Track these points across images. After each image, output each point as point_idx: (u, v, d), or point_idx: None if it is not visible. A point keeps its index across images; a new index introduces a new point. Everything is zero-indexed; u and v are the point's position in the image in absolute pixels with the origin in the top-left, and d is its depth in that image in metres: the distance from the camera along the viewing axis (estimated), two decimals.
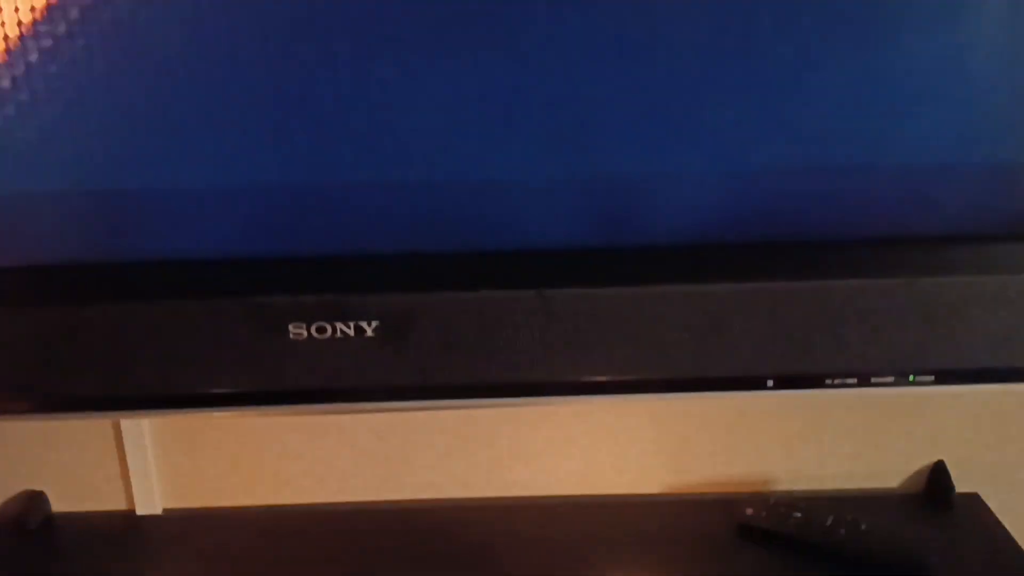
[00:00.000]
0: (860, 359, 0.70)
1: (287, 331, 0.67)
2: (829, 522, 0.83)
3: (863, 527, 0.83)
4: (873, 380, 0.71)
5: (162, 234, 0.65)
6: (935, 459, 0.92)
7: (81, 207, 0.64)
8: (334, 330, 0.67)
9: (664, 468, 0.92)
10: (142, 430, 0.87)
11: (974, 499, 0.91)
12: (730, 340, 0.68)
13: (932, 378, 0.71)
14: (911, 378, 0.71)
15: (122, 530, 0.89)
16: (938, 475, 0.91)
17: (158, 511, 0.91)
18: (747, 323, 0.67)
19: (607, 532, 0.86)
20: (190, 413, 0.71)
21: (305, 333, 0.67)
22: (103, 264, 0.65)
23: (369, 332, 0.66)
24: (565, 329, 0.67)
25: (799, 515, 0.85)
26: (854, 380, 0.71)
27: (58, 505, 0.91)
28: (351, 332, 0.66)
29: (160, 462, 0.89)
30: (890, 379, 0.71)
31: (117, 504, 0.91)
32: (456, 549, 0.84)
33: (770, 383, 0.71)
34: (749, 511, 0.86)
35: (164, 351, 0.68)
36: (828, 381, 0.71)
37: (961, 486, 0.90)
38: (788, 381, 0.71)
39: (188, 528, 0.89)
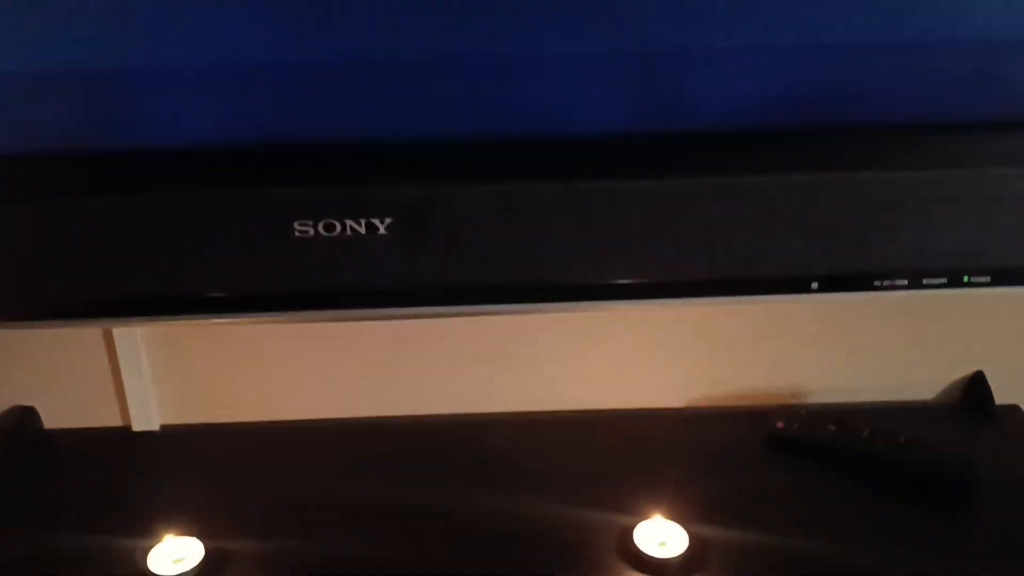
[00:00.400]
0: (912, 259, 0.65)
1: (292, 228, 0.61)
2: (866, 434, 0.79)
3: (902, 439, 0.78)
4: (925, 282, 0.66)
5: (155, 120, 0.59)
6: (973, 370, 0.88)
7: (66, 90, 0.57)
8: (344, 227, 0.61)
9: (689, 381, 0.88)
10: (136, 340, 0.82)
11: (1015, 411, 0.87)
12: (774, 238, 0.63)
13: (988, 279, 0.66)
14: (966, 279, 0.66)
15: (118, 448, 0.85)
16: (977, 386, 0.87)
17: (155, 427, 0.86)
18: (793, 219, 0.62)
19: (630, 447, 0.82)
20: (187, 321, 0.66)
21: (312, 231, 0.61)
22: (91, 155, 0.59)
23: (382, 230, 0.61)
24: (596, 226, 0.62)
25: (833, 427, 0.81)
26: (905, 282, 0.66)
27: (50, 422, 0.86)
28: (362, 230, 0.61)
29: (157, 375, 0.84)
30: (943, 280, 0.66)
31: (112, 421, 0.86)
32: (471, 466, 0.80)
33: (815, 285, 0.66)
34: (780, 424, 0.82)
35: (158, 251, 0.62)
36: (877, 283, 0.66)
37: (1001, 397, 0.86)
38: (835, 283, 0.66)
39: (187, 445, 0.85)
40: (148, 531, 0.71)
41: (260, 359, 0.84)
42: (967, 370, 0.88)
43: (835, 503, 0.75)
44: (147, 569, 0.67)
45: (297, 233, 0.61)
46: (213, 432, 0.86)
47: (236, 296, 0.65)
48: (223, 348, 0.84)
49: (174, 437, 0.86)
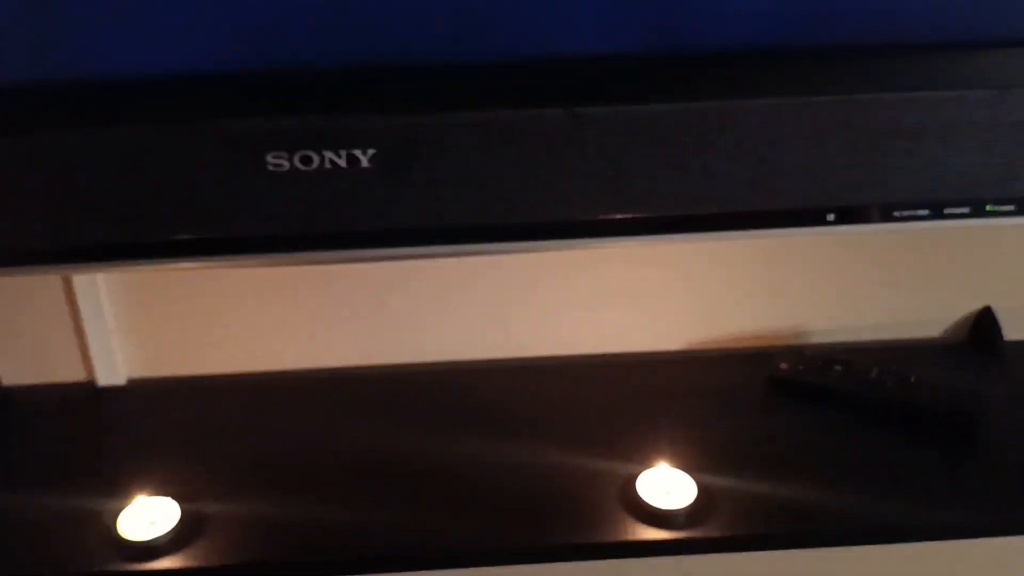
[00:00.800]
0: (932, 188, 0.61)
1: (265, 162, 0.56)
2: (874, 374, 0.76)
3: (912, 379, 0.75)
4: (947, 212, 0.63)
5: (112, 46, 0.53)
6: (981, 305, 0.84)
7: (17, 14, 0.51)
8: (322, 160, 0.56)
9: (687, 322, 0.84)
10: (99, 289, 0.76)
11: None
12: (787, 166, 0.58)
13: (1012, 207, 0.63)
14: (988, 208, 0.62)
15: (82, 404, 0.79)
16: (985, 322, 0.84)
17: (122, 382, 0.80)
18: (805, 145, 0.58)
19: (628, 393, 0.78)
20: (152, 266, 0.61)
21: (287, 164, 0.57)
22: (46, 84, 0.53)
23: (365, 162, 0.56)
24: (594, 155, 0.57)
25: (840, 368, 0.77)
26: (926, 212, 0.62)
27: (10, 378, 0.81)
28: (343, 163, 0.56)
29: (122, 326, 0.79)
30: (965, 210, 0.63)
31: (76, 376, 0.80)
32: (462, 416, 0.76)
33: (831, 217, 0.62)
34: (783, 366, 0.79)
35: (119, 190, 0.58)
36: (897, 214, 0.62)
37: (1010, 333, 0.83)
38: (851, 215, 0.62)
39: (157, 400, 0.79)
40: (118, 493, 0.66)
41: (235, 307, 0.79)
42: (974, 306, 0.85)
43: (843, 446, 0.72)
44: (118, 534, 0.62)
45: (271, 167, 0.56)
46: (185, 385, 0.81)
47: (206, 238, 0.60)
48: (194, 296, 0.78)
49: (142, 392, 0.80)
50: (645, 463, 0.68)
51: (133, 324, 0.79)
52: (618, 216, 0.60)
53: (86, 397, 0.80)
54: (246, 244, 0.60)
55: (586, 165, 0.57)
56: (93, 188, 0.56)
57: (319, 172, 0.57)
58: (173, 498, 0.65)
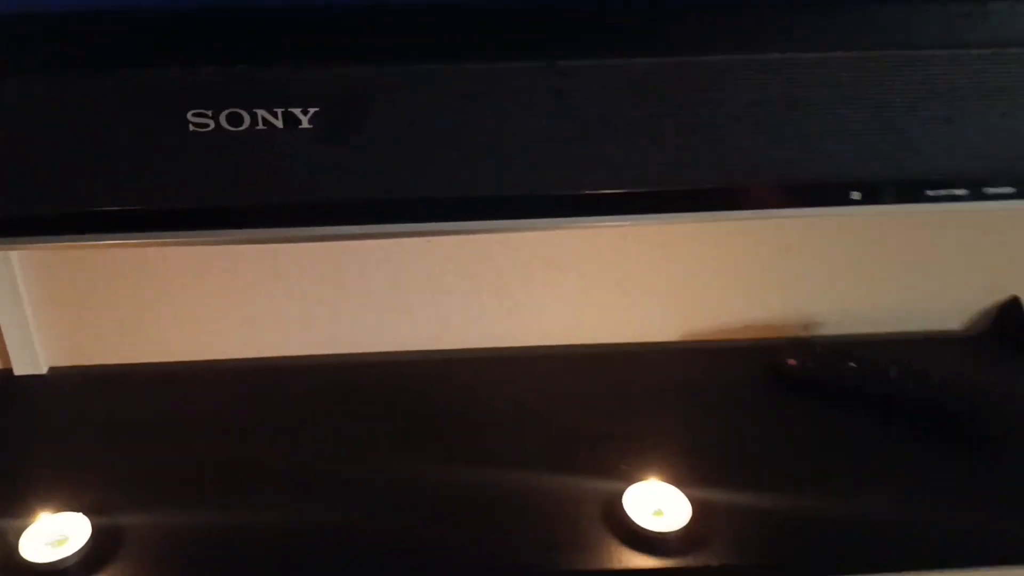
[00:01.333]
0: (971, 163, 0.53)
1: (185, 121, 0.47)
2: (893, 373, 0.67)
3: (935, 379, 0.67)
4: (988, 192, 0.55)
5: None
6: (1008, 295, 0.76)
7: None
8: (254, 119, 0.47)
9: (684, 311, 0.75)
10: (12, 269, 0.67)
11: None
12: (806, 134, 0.50)
13: None
14: None
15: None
16: (1011, 313, 0.76)
17: (42, 371, 0.71)
18: (829, 110, 0.49)
19: (616, 391, 0.70)
20: (63, 242, 0.53)
21: (212, 123, 0.48)
22: None
23: (304, 123, 0.47)
24: (580, 117, 0.48)
25: (854, 364, 0.69)
26: (964, 192, 0.54)
27: None
28: (278, 122, 0.47)
29: (40, 312, 0.69)
30: (1010, 190, 0.55)
31: None
32: (426, 414, 0.68)
33: (856, 195, 0.53)
34: (791, 361, 0.70)
35: (20, 151, 0.48)
36: (932, 193, 0.54)
37: None
38: (879, 193, 0.53)
39: (76, 392, 0.71)
40: (23, 507, 0.57)
41: (167, 289, 0.70)
42: (1000, 296, 0.77)
43: (860, 452, 0.64)
44: (19, 555, 0.53)
45: (192, 127, 0.47)
46: (109, 375, 0.72)
47: (127, 211, 0.51)
48: (120, 277, 0.69)
49: (61, 380, 0.71)
50: (632, 476, 0.59)
51: (53, 309, 0.70)
52: (600, 191, 0.51)
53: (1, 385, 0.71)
54: (171, 219, 0.51)
55: (568, 130, 0.48)
56: None
57: (251, 133, 0.48)
58: (85, 512, 0.56)
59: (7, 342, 0.70)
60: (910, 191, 0.53)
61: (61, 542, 0.55)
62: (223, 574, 0.55)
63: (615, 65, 0.46)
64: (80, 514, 0.56)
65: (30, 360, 0.71)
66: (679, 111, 0.48)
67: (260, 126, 0.47)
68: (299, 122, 0.47)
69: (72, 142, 0.47)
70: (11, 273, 0.67)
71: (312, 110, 0.47)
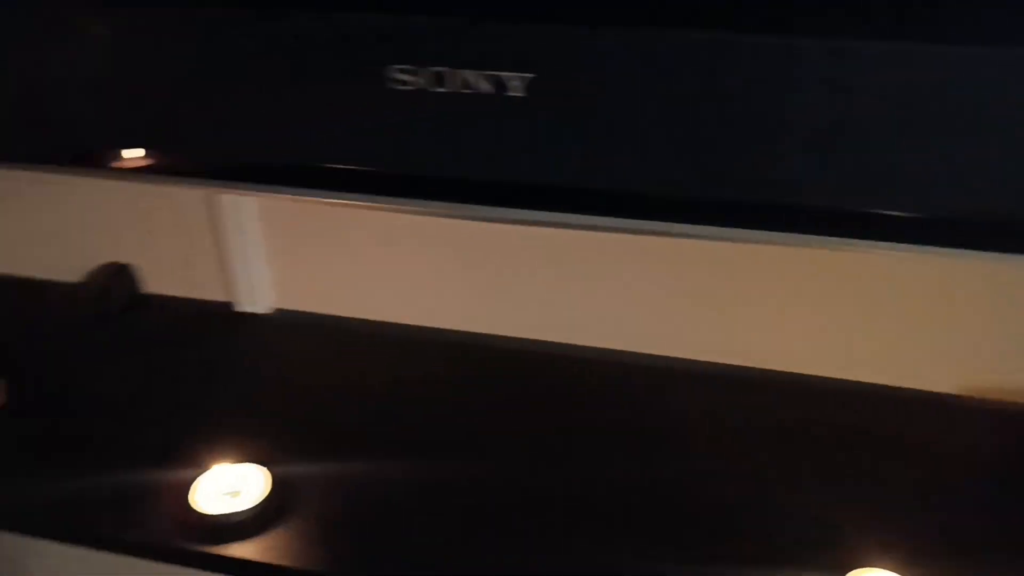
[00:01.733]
0: None
1: (383, 77, 0.42)
2: None
3: None
4: None
5: None
6: None
7: None
8: (460, 81, 0.42)
9: (960, 357, 0.60)
10: (241, 213, 0.67)
11: None
12: None
13: None
14: None
15: (220, 323, 0.72)
16: None
17: (262, 309, 0.71)
18: None
19: (852, 443, 0.58)
20: (254, 189, 0.53)
21: (413, 81, 0.42)
22: None
23: (515, 90, 0.41)
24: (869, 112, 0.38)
25: None
26: None
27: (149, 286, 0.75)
28: (488, 87, 0.41)
29: (267, 255, 0.70)
30: None
31: (216, 295, 0.73)
32: (610, 417, 0.61)
33: None
34: None
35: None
36: None
37: None
38: None
39: (294, 332, 0.71)
40: (201, 455, 0.56)
41: (386, 251, 0.67)
42: None
43: None
44: (194, 503, 0.53)
45: (391, 83, 0.43)
46: (327, 324, 0.71)
47: (322, 170, 0.48)
48: (337, 233, 0.68)
49: (281, 321, 0.72)
50: (852, 563, 0.48)
51: (277, 254, 0.70)
52: (878, 211, 0.41)
53: (224, 321, 0.72)
54: (376, 183, 0.48)
55: (843, 121, 0.39)
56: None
57: (455, 98, 0.43)
58: (262, 463, 0.55)
59: (235, 279, 0.70)
60: None
61: (235, 494, 0.54)
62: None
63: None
64: (257, 466, 0.55)
65: (250, 297, 0.71)
66: None
67: (466, 91, 0.42)
68: (506, 88, 0.41)
69: (288, 90, 0.45)
70: (249, 214, 0.68)
71: (528, 75, 0.41)
